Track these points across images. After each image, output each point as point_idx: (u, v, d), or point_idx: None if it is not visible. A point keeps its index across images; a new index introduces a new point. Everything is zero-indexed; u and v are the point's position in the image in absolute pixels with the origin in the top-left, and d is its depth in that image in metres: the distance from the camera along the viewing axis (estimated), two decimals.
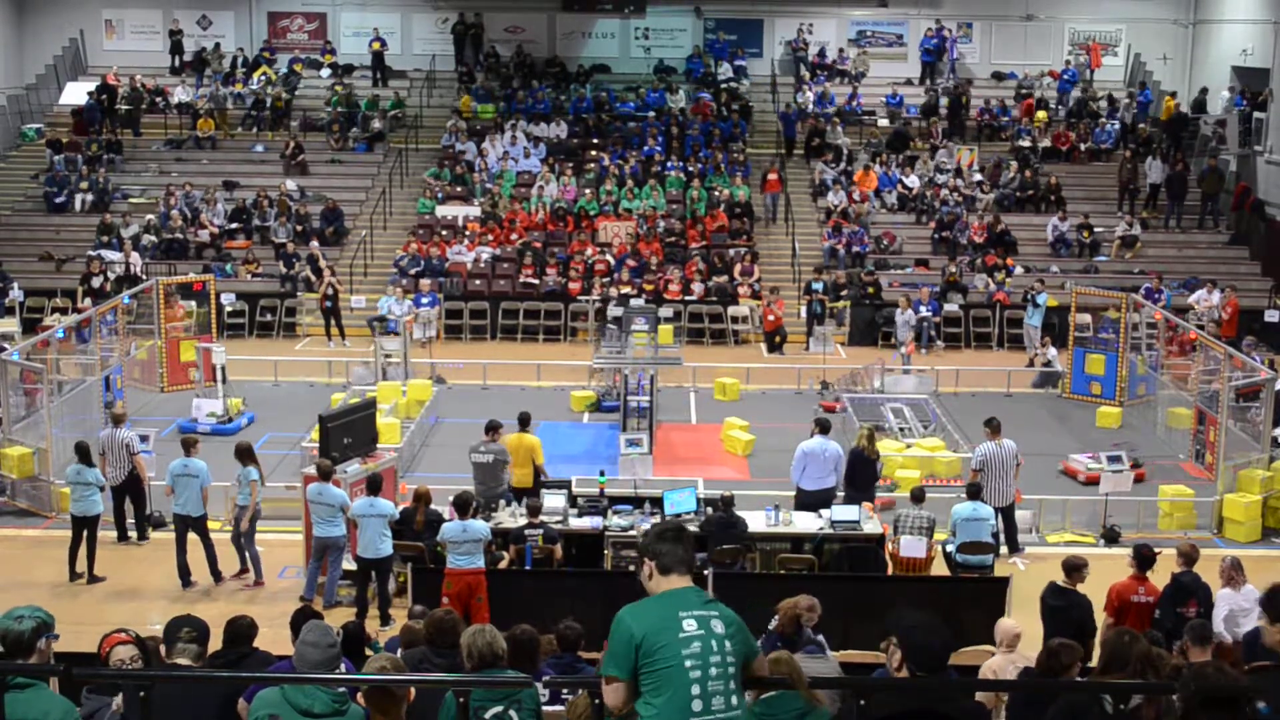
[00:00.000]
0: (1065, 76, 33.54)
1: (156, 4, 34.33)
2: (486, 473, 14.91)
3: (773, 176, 29.84)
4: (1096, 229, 28.92)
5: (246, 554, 14.54)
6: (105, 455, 15.39)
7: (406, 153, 31.51)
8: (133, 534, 15.75)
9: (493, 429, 15.20)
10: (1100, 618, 10.90)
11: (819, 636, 9.48)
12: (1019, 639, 9.60)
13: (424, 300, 25.06)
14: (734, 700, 4.77)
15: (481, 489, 14.64)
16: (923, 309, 25.39)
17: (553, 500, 14.21)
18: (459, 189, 30.22)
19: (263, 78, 33.40)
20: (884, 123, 32.36)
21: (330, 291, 25.25)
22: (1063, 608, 10.72)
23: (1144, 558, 11.23)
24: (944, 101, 32.47)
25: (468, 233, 28.48)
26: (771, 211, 29.70)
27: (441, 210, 29.53)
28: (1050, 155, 31.47)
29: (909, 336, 24.17)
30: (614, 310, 24.09)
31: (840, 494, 14.98)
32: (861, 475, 15.07)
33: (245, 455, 14.72)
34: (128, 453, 15.41)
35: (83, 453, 14.80)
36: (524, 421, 15.74)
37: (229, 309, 25.70)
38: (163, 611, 13.58)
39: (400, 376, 21.27)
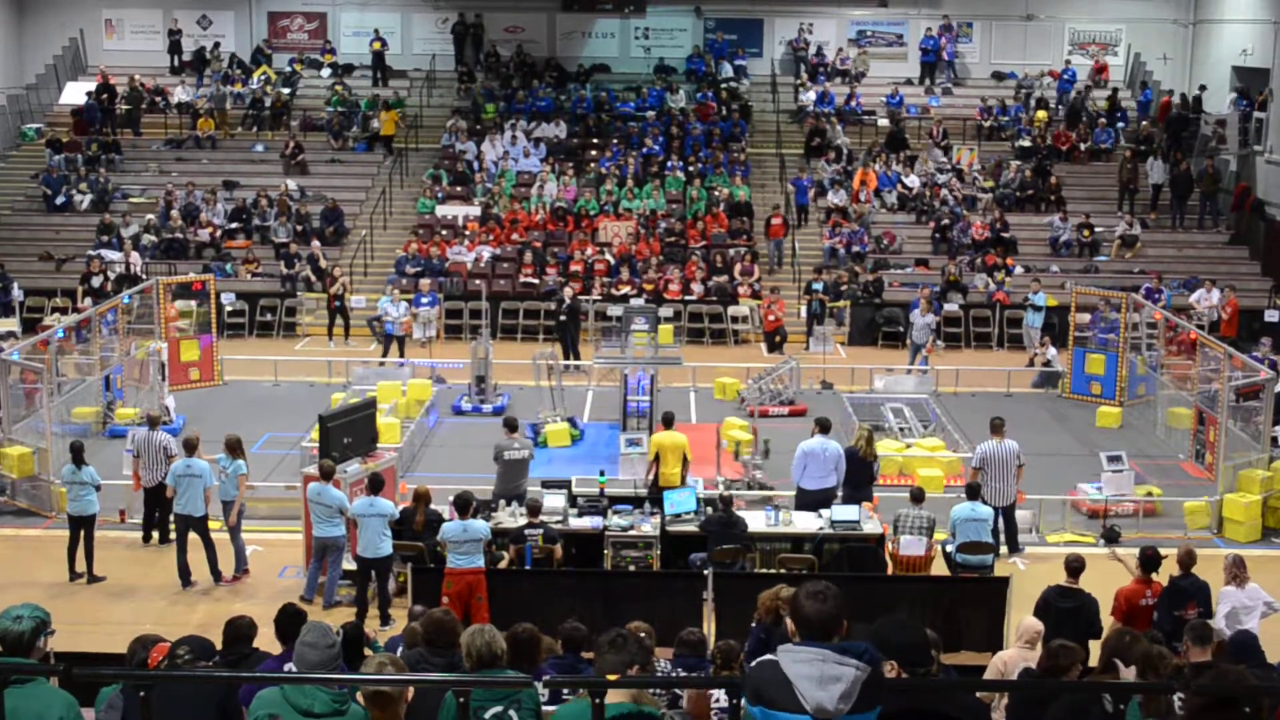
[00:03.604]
0: (1065, 76, 33.51)
1: (156, 4, 34.32)
2: (518, 469, 14.95)
3: (777, 221, 28.77)
4: (1097, 229, 28.90)
5: (233, 546, 14.52)
6: (140, 457, 15.30)
7: (406, 152, 31.50)
8: (155, 534, 15.58)
9: (513, 426, 15.25)
10: (1108, 622, 10.85)
11: None
12: (1040, 636, 9.57)
13: (424, 300, 25.02)
14: None
15: (509, 486, 14.71)
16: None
17: (553, 500, 14.21)
18: (459, 189, 30.21)
19: (263, 78, 33.39)
20: (884, 122, 32.32)
21: (341, 290, 25.23)
22: (1071, 609, 10.68)
23: (1149, 559, 11.21)
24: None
25: (468, 232, 28.47)
26: (777, 257, 28.70)
27: (441, 210, 29.52)
28: (1050, 155, 31.43)
29: (929, 339, 23.93)
30: (564, 309, 23.98)
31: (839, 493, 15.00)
32: (856, 474, 15.11)
33: (234, 448, 14.71)
34: (165, 455, 15.16)
35: (76, 452, 14.77)
36: (669, 421, 15.87)
37: (229, 309, 25.68)
38: (162, 611, 13.59)
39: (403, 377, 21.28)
